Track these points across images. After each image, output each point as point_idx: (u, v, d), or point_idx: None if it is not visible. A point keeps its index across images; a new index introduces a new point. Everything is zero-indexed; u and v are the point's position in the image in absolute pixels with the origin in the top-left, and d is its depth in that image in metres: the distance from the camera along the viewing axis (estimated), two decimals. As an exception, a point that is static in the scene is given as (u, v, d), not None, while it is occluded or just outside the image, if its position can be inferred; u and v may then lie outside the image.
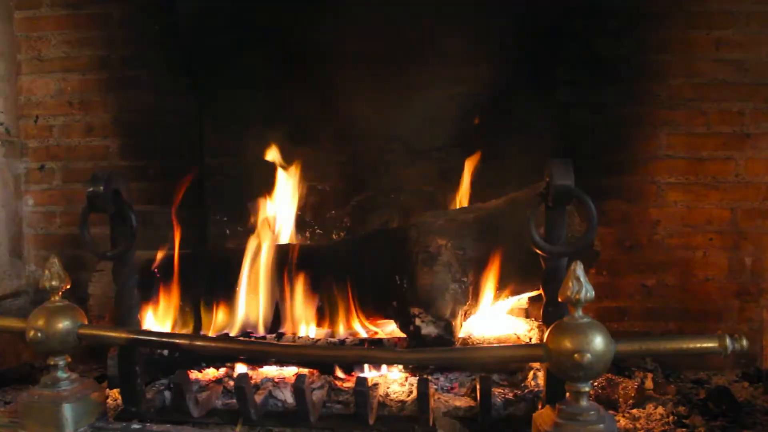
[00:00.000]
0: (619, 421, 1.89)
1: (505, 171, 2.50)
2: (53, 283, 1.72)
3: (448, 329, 1.89)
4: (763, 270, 2.55)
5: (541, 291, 1.62)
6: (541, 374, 1.84)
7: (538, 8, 2.44)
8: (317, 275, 2.07)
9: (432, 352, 1.74)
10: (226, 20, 2.56)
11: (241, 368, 1.98)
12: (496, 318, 2.25)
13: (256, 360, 1.96)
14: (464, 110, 2.54)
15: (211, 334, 2.09)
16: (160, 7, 2.73)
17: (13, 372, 2.52)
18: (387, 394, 1.84)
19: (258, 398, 1.77)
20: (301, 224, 2.55)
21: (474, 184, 2.47)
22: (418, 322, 1.90)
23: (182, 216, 2.81)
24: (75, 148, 2.90)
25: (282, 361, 1.95)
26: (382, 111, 2.56)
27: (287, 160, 2.47)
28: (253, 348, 1.81)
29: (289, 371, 1.97)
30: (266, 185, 2.46)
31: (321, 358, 1.83)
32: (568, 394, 1.43)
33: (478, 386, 1.71)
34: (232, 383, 1.88)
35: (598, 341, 1.38)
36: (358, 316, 2.06)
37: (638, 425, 1.88)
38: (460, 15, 2.45)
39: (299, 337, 2.03)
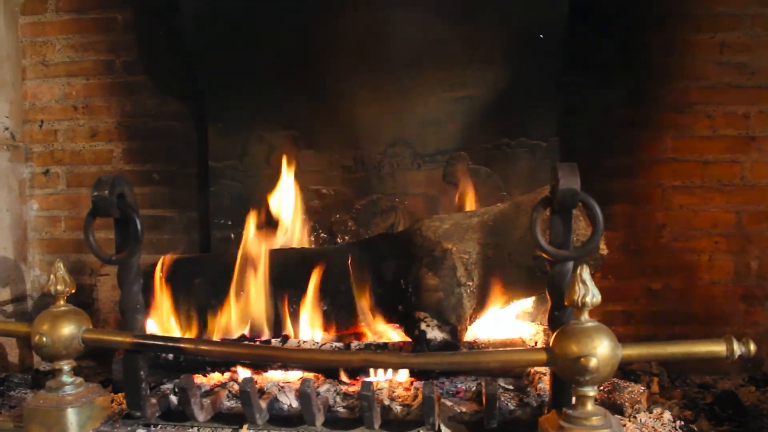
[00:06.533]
0: (625, 425, 1.88)
1: (509, 175, 2.50)
2: (58, 287, 1.72)
3: (454, 333, 1.88)
4: (769, 273, 2.54)
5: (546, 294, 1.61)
6: (546, 378, 1.83)
7: (542, 11, 2.44)
8: (322, 279, 2.07)
9: (437, 356, 1.73)
10: (230, 25, 2.56)
11: (245, 373, 1.97)
12: (501, 322, 2.25)
13: (261, 364, 1.96)
14: (469, 113, 2.54)
15: (215, 338, 2.09)
16: (164, 12, 2.74)
17: (17, 376, 2.52)
18: (392, 398, 1.83)
19: (263, 402, 1.77)
20: (305, 228, 2.55)
21: (479, 188, 2.47)
22: (423, 326, 1.89)
23: (186, 220, 2.84)
24: (79, 153, 2.91)
25: (287, 366, 1.94)
26: (386, 114, 2.57)
27: (291, 164, 2.47)
28: (258, 352, 1.81)
29: (294, 376, 1.97)
30: (270, 189, 2.47)
31: (326, 362, 1.82)
32: (574, 399, 1.42)
33: (483, 390, 1.71)
34: (236, 387, 1.88)
35: (605, 345, 1.37)
36: (362, 321, 2.06)
37: (645, 430, 1.87)
38: (464, 18, 2.45)
39: (304, 342, 2.03)
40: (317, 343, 2.02)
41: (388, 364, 1.80)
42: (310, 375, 1.93)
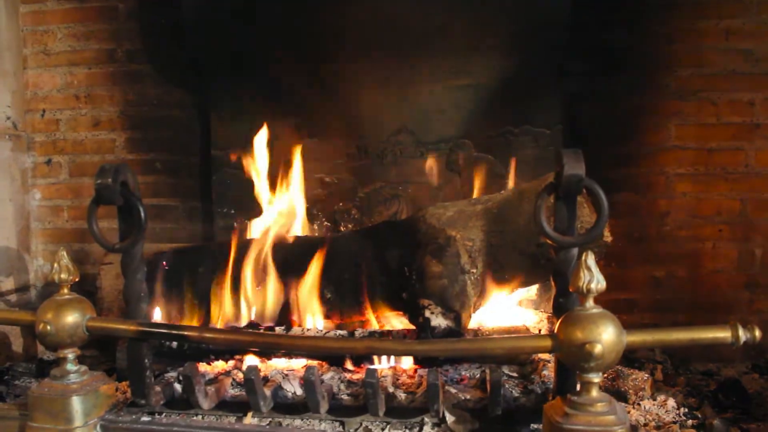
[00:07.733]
0: (629, 412, 1.88)
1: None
2: (62, 276, 1.72)
3: (458, 321, 1.88)
4: (772, 261, 2.53)
5: (551, 281, 1.60)
6: (551, 366, 1.83)
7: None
8: (325, 267, 2.06)
9: (441, 343, 1.73)
10: (232, 13, 2.55)
11: (250, 360, 1.98)
12: (505, 309, 2.24)
13: (265, 352, 1.96)
14: (472, 101, 2.53)
15: (219, 326, 2.09)
16: (166, 0, 2.72)
17: (22, 365, 2.52)
18: (396, 386, 1.83)
19: (267, 390, 1.77)
20: (308, 216, 2.55)
21: (482, 175, 2.47)
22: (427, 313, 1.89)
23: (190, 209, 2.84)
24: (82, 142, 2.91)
25: (291, 353, 1.94)
26: (389, 102, 2.56)
27: (294, 152, 2.47)
28: (263, 340, 1.81)
29: (298, 364, 1.97)
30: (273, 177, 2.46)
31: (331, 349, 1.82)
32: (578, 385, 1.42)
33: (487, 378, 1.71)
34: (240, 375, 1.88)
35: (610, 331, 1.37)
36: (367, 308, 2.06)
37: (649, 417, 1.87)
38: (468, 5, 2.44)
39: (308, 329, 2.03)
40: (321, 330, 2.02)
41: (392, 351, 1.81)
42: (314, 363, 1.93)
